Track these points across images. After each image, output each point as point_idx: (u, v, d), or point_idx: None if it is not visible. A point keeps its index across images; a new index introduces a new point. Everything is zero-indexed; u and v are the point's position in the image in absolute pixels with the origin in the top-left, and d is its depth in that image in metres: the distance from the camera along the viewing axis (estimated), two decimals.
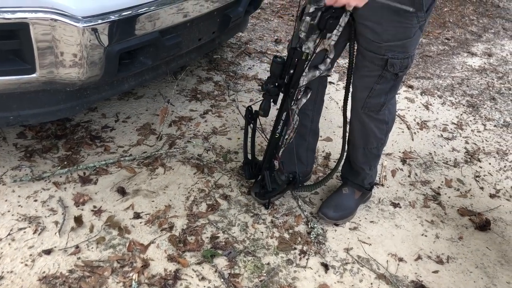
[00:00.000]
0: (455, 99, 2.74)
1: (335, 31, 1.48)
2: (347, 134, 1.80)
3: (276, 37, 3.21)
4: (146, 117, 2.31)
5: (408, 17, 1.43)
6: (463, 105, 2.68)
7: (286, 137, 1.74)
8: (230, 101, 2.51)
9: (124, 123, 2.26)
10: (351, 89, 1.68)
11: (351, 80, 1.64)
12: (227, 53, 2.96)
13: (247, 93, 2.59)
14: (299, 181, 1.69)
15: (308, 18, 1.47)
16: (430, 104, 2.66)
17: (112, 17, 1.59)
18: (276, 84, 1.59)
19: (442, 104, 2.68)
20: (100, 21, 1.56)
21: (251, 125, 1.83)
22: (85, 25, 1.52)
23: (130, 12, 1.65)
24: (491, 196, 2.07)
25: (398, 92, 2.72)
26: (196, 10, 1.92)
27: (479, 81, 2.95)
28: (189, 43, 2.07)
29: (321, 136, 2.18)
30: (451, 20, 3.76)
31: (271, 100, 1.62)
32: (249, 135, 1.87)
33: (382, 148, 1.84)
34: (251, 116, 1.77)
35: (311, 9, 1.45)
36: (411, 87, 2.80)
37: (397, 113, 2.49)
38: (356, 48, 1.58)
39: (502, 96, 2.82)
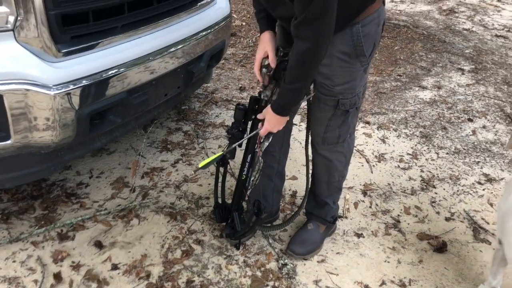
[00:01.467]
0: (409, 131, 2.94)
1: None
2: (310, 171, 1.95)
3: (240, 85, 3.40)
4: (119, 171, 2.41)
5: (353, 63, 1.62)
6: (417, 136, 2.88)
7: (252, 178, 1.88)
8: (199, 149, 2.64)
9: (98, 179, 2.36)
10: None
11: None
12: (195, 104, 3.12)
13: (215, 140, 2.74)
14: (263, 212, 1.82)
15: (264, 70, 1.66)
16: (387, 138, 2.85)
17: (82, 83, 1.73)
18: (240, 129, 1.75)
19: (397, 136, 2.88)
20: (70, 87, 1.70)
21: (221, 169, 1.96)
22: (56, 92, 1.65)
23: (98, 76, 1.79)
24: (447, 219, 2.23)
25: (356, 128, 2.92)
26: (161, 68, 2.08)
27: (431, 112, 3.18)
28: (156, 99, 2.22)
29: (287, 176, 2.32)
30: (402, 58, 4.05)
31: (237, 144, 1.77)
32: (220, 179, 2.00)
33: (343, 181, 2.00)
34: (221, 161, 1.91)
35: (266, 62, 1.64)
36: (368, 123, 3.00)
37: (356, 148, 2.68)
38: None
39: (452, 125, 3.04)
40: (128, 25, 1.93)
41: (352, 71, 1.65)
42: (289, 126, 1.96)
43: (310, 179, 2.00)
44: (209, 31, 2.37)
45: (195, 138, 2.75)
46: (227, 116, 3.00)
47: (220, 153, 1.78)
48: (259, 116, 1.70)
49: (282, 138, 1.94)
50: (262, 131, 1.67)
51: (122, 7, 1.87)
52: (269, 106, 1.62)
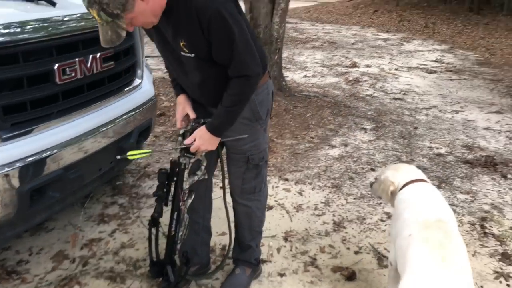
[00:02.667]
0: (322, 183, 3.36)
1: None
2: (232, 224, 2.25)
3: (171, 158, 3.71)
4: (59, 246, 2.58)
5: (254, 125, 2.01)
6: (329, 187, 3.30)
7: (181, 233, 2.14)
8: (134, 218, 2.87)
9: (38, 255, 2.50)
10: (228, 185, 2.18)
11: (225, 176, 2.15)
12: (129, 178, 3.38)
13: (149, 208, 2.98)
14: (191, 261, 2.07)
15: (180, 139, 2.00)
16: (303, 191, 3.24)
17: (20, 163, 1.98)
18: (165, 190, 2.04)
19: (312, 189, 3.28)
20: (8, 168, 1.93)
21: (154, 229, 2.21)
22: None
23: (36, 157, 2.04)
24: (356, 252, 2.59)
25: (277, 185, 3.30)
26: (93, 147, 2.36)
27: (339, 166, 3.65)
28: (91, 174, 2.47)
29: (217, 232, 2.61)
30: (313, 123, 4.59)
31: (163, 203, 2.04)
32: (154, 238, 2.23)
33: (262, 225, 2.31)
34: (152, 222, 2.16)
35: (181, 131, 2.00)
36: (286, 179, 3.39)
37: (277, 202, 3.04)
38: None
39: (358, 175, 3.51)
40: (62, 111, 2.23)
41: (255, 132, 2.03)
42: (209, 185, 2.28)
43: (233, 229, 2.29)
44: (136, 111, 2.72)
45: (130, 209, 2.98)
46: None
47: (148, 150, 2.02)
48: (187, 141, 1.91)
49: (204, 196, 2.25)
50: (193, 147, 1.88)
51: (57, 96, 2.19)
52: (203, 126, 1.87)
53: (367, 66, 7.59)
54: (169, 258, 2.16)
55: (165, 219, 2.13)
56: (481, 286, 2.33)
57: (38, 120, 2.11)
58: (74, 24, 2.29)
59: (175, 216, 2.10)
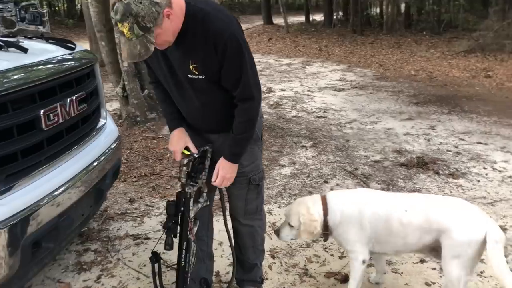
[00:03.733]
0: (286, 200, 3.54)
1: (204, 172, 2.07)
2: (233, 249, 2.32)
3: (128, 198, 3.64)
4: None
5: (253, 147, 2.10)
6: (291, 203, 3.49)
7: (190, 263, 2.17)
8: (116, 261, 2.79)
9: None
10: (228, 208, 2.26)
11: (226, 202, 2.23)
12: (92, 224, 3.25)
13: (127, 249, 2.91)
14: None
15: (184, 168, 2.05)
16: (271, 210, 3.39)
17: (21, 214, 1.88)
18: (174, 221, 2.06)
19: (279, 207, 3.44)
20: (11, 221, 1.83)
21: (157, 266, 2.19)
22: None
23: (35, 206, 1.95)
24: (340, 257, 2.79)
25: None
26: (80, 191, 2.29)
27: (295, 183, 3.87)
28: (77, 221, 2.39)
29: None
30: None
31: (172, 235, 2.06)
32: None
33: (264, 243, 2.40)
34: (155, 259, 2.15)
35: (185, 161, 2.04)
36: None
37: None
38: None
39: (315, 188, 3.76)
40: (49, 157, 2.15)
41: (254, 153, 2.14)
42: (210, 212, 2.34)
43: (236, 253, 2.36)
44: (109, 151, 2.68)
45: (107, 253, 2.88)
46: (128, 227, 3.20)
47: (189, 152, 2.06)
48: (214, 178, 2.00)
49: (208, 223, 2.30)
50: (219, 179, 1.98)
51: (43, 143, 2.11)
52: (222, 159, 1.97)
53: (282, 90, 8.04)
54: None
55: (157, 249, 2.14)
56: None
57: (30, 168, 2.03)
58: (51, 69, 2.24)
59: (184, 246, 2.12)
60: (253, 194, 2.20)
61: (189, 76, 1.84)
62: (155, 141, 4.80)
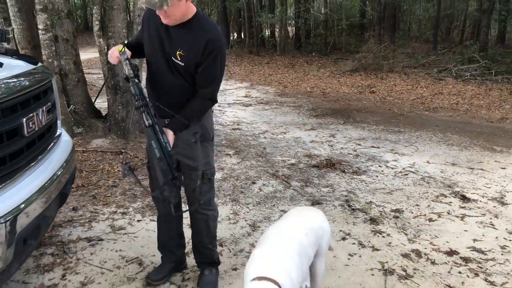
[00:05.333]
0: (222, 200, 3.96)
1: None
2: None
3: (72, 207, 3.79)
4: None
5: (206, 146, 2.50)
6: (229, 202, 3.93)
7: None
8: (76, 261, 2.97)
9: None
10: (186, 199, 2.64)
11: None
12: None
13: (84, 250, 3.11)
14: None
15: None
16: None
17: (16, 210, 2.08)
18: (142, 99, 2.22)
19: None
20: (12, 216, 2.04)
21: None
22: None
23: (25, 203, 2.16)
24: None
25: None
26: (54, 194, 2.50)
27: (227, 185, 4.30)
28: (48, 224, 2.58)
29: None
30: None
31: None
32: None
33: (216, 230, 2.79)
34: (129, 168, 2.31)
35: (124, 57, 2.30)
36: None
37: None
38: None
39: (245, 189, 4.23)
40: (29, 161, 2.36)
41: (207, 151, 2.52)
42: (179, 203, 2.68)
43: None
44: (70, 157, 2.90)
45: (65, 255, 3.05)
46: (78, 232, 3.37)
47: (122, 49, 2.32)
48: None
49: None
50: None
51: (24, 148, 2.32)
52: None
53: None
54: (174, 171, 2.25)
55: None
56: (369, 241, 3.29)
57: (16, 170, 2.23)
58: (28, 81, 2.45)
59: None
60: (206, 187, 2.55)
61: (173, 58, 2.27)
62: (85, 154, 4.92)
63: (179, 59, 2.26)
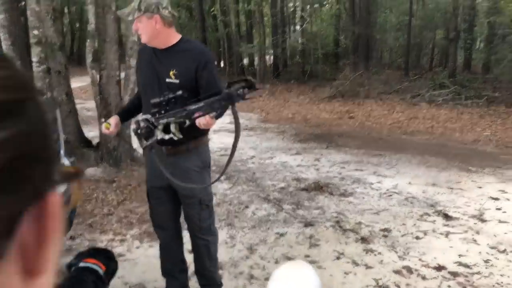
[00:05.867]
0: (218, 225, 4.07)
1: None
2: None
3: (69, 236, 3.85)
4: None
5: (203, 173, 2.61)
6: (225, 226, 4.06)
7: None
8: None
9: None
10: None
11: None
12: None
13: None
14: None
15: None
16: None
17: None
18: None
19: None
20: None
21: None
22: None
23: None
24: (275, 262, 3.42)
25: None
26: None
27: (222, 210, 4.44)
28: None
29: None
30: None
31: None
32: None
33: (217, 253, 2.91)
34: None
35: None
36: None
37: None
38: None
39: (239, 213, 4.37)
40: None
41: (204, 178, 2.60)
42: (179, 230, 2.81)
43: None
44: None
45: None
46: None
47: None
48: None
49: (177, 238, 2.79)
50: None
51: None
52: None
53: None
54: None
55: None
56: (362, 259, 3.46)
57: None
58: None
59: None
60: (205, 213, 2.64)
61: (166, 80, 2.42)
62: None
63: (174, 78, 2.40)
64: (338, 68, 18.09)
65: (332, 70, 18.45)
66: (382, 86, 14.39)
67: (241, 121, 9.54)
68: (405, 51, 19.21)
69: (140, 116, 2.39)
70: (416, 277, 3.21)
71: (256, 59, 19.32)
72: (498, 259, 3.47)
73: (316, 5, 18.96)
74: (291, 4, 22.52)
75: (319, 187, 5.13)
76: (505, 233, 3.96)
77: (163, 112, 2.28)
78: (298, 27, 21.32)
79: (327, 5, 19.40)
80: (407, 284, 3.10)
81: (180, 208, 2.77)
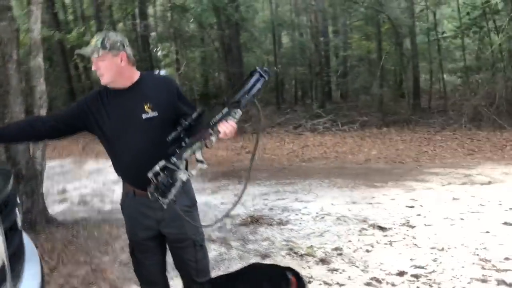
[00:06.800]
0: None
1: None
2: None
3: None
4: None
5: (192, 211, 2.48)
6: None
7: None
8: None
9: None
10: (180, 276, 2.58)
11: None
12: None
13: None
14: None
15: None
16: None
17: None
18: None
19: None
20: None
21: None
22: None
23: None
24: None
25: None
26: None
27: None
28: None
29: None
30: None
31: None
32: None
33: None
34: None
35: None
36: None
37: None
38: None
39: None
40: None
41: (194, 217, 2.49)
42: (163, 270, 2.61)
43: None
44: None
45: None
46: None
47: None
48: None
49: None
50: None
51: None
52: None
53: (76, 188, 7.92)
54: None
55: None
56: (331, 279, 3.56)
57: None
58: None
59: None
60: (200, 254, 2.50)
61: (143, 116, 2.28)
62: None
63: (151, 111, 2.29)
64: (214, 107, 18.50)
65: (208, 111, 18.76)
66: (264, 120, 15.09)
67: None
68: (273, 87, 20.50)
69: (151, 172, 2.07)
70: (386, 285, 3.41)
71: None
72: (441, 256, 3.87)
73: (193, 48, 19.25)
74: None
75: (255, 220, 5.16)
76: (435, 233, 4.43)
77: (183, 144, 2.13)
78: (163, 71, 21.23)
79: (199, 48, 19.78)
80: None
81: (165, 258, 2.60)
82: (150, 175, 2.05)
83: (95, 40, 2.30)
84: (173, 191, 2.07)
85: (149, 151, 2.24)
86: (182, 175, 2.08)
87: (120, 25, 19.12)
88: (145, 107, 2.29)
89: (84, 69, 18.38)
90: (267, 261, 3.97)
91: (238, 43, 17.41)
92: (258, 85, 2.09)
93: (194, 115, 2.16)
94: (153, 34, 18.86)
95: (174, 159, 2.08)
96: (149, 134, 2.29)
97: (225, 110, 2.09)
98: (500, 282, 3.32)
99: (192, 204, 2.49)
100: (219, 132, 2.08)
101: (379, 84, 14.50)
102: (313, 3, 16.65)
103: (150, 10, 18.96)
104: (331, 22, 18.59)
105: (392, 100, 14.85)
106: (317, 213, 5.41)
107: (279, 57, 21.33)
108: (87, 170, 9.93)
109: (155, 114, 2.29)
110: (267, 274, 2.44)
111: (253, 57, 19.83)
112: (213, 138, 2.08)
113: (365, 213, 5.26)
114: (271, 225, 5.04)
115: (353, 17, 16.82)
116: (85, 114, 2.36)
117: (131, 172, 2.34)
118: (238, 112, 2.10)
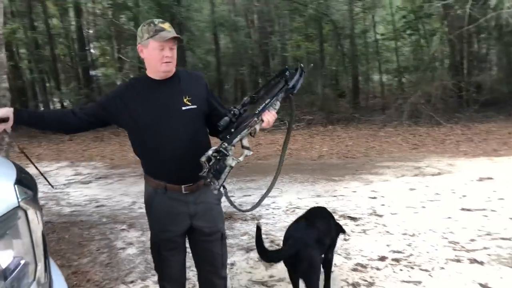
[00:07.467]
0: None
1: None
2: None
3: None
4: None
5: (220, 205, 2.52)
6: None
7: None
8: None
9: None
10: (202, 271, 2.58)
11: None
12: None
13: None
14: None
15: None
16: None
17: None
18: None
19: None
20: None
21: None
22: None
23: None
24: None
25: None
26: None
27: (145, 256, 4.12)
28: None
29: None
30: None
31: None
32: None
33: None
34: None
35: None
36: (125, 282, 3.62)
37: None
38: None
39: None
40: None
41: (221, 211, 2.53)
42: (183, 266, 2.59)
43: None
44: None
45: None
46: None
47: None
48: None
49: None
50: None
51: None
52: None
53: None
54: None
55: None
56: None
57: None
58: None
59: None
60: (225, 247, 2.55)
61: (183, 108, 2.29)
62: None
63: (190, 104, 2.31)
64: None
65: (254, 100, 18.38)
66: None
67: (87, 171, 9.12)
68: (212, 88, 20.48)
69: (204, 157, 2.09)
70: (371, 270, 3.60)
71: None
72: (415, 241, 4.14)
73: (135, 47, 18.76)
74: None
75: (229, 217, 5.18)
76: (403, 221, 4.73)
77: (233, 130, 2.15)
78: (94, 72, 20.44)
79: None
80: (371, 277, 3.47)
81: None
82: (203, 159, 2.08)
83: (168, 26, 2.25)
84: (223, 176, 2.10)
85: (189, 143, 2.27)
86: (231, 161, 2.12)
87: (55, 20, 18.26)
88: (184, 99, 2.29)
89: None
90: (252, 254, 4.04)
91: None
92: (301, 80, 2.19)
93: (242, 102, 2.21)
94: (91, 32, 18.21)
95: (225, 144, 2.12)
96: (189, 126, 2.30)
97: (268, 100, 2.15)
98: (473, 261, 3.63)
99: (219, 197, 2.48)
100: (263, 121, 2.13)
101: (322, 84, 15.02)
102: (256, 4, 16.87)
103: (89, 7, 18.25)
104: (273, 23, 18.90)
105: (333, 99, 15.43)
106: (286, 207, 5.55)
107: (220, 57, 21.36)
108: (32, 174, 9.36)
109: (194, 106, 2.31)
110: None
111: (192, 57, 19.71)
112: (257, 127, 2.14)
113: (332, 205, 5.47)
114: (245, 220, 5.10)
115: (295, 19, 17.20)
116: (117, 109, 2.31)
117: (169, 164, 2.30)
118: (278, 104, 2.16)
